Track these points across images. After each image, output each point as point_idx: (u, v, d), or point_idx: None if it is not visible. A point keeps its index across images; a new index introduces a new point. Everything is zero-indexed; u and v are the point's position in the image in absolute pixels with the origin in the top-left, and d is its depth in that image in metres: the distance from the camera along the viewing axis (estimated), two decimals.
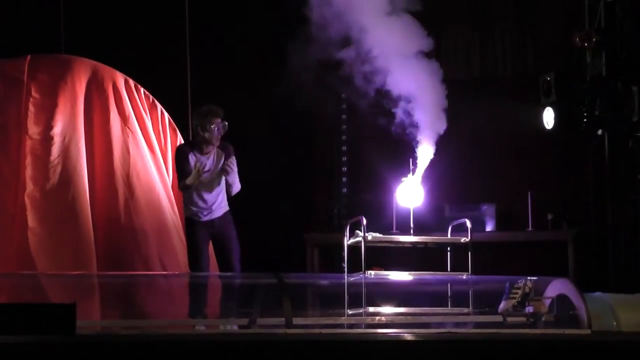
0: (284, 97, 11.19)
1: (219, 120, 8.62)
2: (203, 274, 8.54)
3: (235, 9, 10.88)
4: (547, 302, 7.77)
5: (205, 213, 8.61)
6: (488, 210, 11.20)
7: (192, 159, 8.54)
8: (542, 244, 10.81)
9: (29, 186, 8.02)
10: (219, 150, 8.69)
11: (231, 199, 10.68)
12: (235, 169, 8.68)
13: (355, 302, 7.95)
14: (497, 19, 11.80)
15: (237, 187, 8.76)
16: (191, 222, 8.59)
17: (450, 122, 8.97)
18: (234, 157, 8.65)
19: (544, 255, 10.63)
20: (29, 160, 8.13)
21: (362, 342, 6.12)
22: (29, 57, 8.57)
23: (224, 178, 8.63)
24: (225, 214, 8.71)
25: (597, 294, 7.88)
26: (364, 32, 8.77)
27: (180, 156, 8.57)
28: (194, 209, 8.59)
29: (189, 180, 8.45)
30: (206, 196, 8.61)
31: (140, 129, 8.58)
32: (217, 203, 8.67)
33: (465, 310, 8.11)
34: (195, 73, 10.18)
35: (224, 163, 8.59)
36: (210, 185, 8.63)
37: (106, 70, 8.68)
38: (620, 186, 10.62)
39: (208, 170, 8.57)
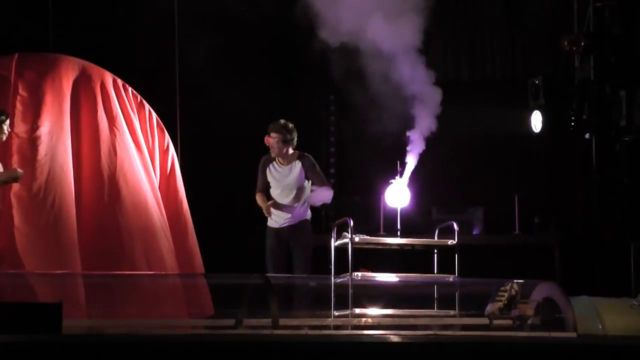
0: (275, 98, 11.21)
1: (274, 135, 8.78)
2: (189, 274, 8.53)
3: (227, 9, 10.86)
4: (534, 305, 7.79)
5: (278, 220, 8.92)
6: (475, 213, 11.21)
7: (269, 170, 8.91)
8: (529, 247, 10.82)
9: (16, 185, 7.98)
10: (297, 161, 8.91)
11: (218, 200, 10.70)
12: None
13: (342, 304, 7.95)
14: (486, 22, 11.82)
15: (321, 199, 9.01)
16: (267, 229, 8.97)
17: (438, 125, 8.98)
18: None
19: (530, 258, 10.64)
20: (15, 159, 8.09)
21: (348, 343, 6.11)
22: (16, 55, 8.53)
23: (300, 188, 8.92)
24: (300, 222, 8.96)
25: (583, 297, 7.90)
26: (361, 30, 8.82)
27: (260, 166, 9.02)
28: (269, 216, 8.96)
29: (258, 200, 8.93)
30: (279, 205, 8.90)
31: (128, 129, 8.55)
32: (291, 212, 8.92)
33: (452, 312, 8.12)
34: (183, 73, 10.16)
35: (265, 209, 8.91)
36: (283, 196, 8.78)
37: (94, 69, 8.64)
38: (607, 190, 10.63)
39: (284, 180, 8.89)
